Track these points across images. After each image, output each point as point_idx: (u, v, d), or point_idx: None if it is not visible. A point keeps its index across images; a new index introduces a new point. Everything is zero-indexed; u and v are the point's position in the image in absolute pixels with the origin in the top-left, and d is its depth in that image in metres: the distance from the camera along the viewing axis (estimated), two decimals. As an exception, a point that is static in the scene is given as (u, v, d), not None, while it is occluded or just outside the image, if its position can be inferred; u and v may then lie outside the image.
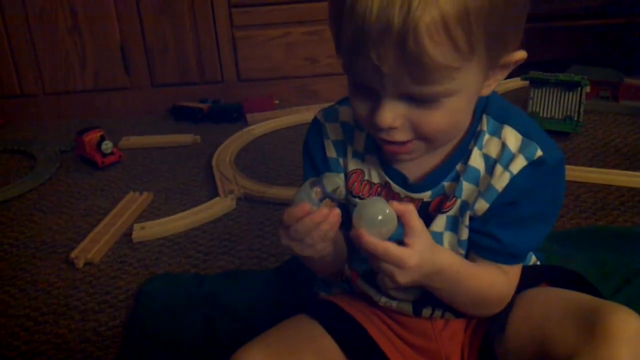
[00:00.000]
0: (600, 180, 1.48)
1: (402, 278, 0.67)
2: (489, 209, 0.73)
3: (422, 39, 0.59)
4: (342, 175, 0.80)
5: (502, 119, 0.73)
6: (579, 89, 1.69)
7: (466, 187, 0.74)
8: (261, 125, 1.93)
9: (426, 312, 0.81)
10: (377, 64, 0.62)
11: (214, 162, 1.69)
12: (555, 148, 0.74)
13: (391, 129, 0.67)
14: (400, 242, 0.67)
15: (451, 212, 0.75)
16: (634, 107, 1.84)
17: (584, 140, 1.70)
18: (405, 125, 0.67)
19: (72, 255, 1.33)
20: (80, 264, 1.31)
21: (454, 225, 0.75)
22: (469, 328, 0.83)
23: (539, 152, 0.71)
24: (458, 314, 0.81)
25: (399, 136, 0.68)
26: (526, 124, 0.74)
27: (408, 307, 0.81)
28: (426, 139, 0.69)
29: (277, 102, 2.04)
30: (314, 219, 0.68)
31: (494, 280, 0.75)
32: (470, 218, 0.74)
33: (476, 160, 0.73)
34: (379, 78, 0.63)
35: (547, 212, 0.75)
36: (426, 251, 0.68)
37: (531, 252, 0.87)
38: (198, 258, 1.32)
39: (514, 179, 0.71)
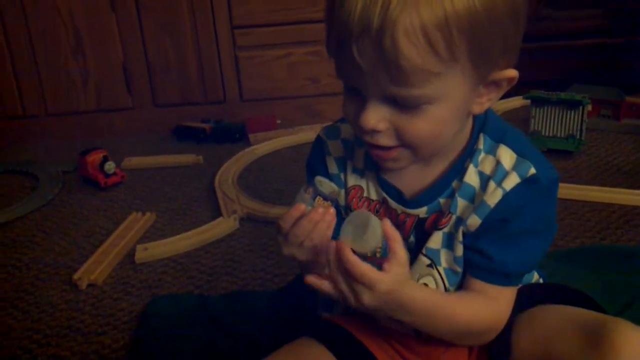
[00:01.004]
0: (604, 199, 1.47)
1: (368, 300, 0.67)
2: (481, 225, 0.73)
3: (398, 40, 0.61)
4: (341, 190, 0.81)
5: (498, 138, 0.74)
6: (581, 107, 1.69)
7: (461, 203, 0.74)
8: (264, 145, 1.93)
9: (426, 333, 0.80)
10: (358, 62, 0.64)
11: (216, 182, 1.69)
12: (550, 168, 0.74)
13: (375, 131, 0.68)
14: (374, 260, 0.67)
15: (446, 229, 0.75)
16: (636, 126, 1.84)
17: (586, 158, 1.70)
18: (390, 131, 0.68)
19: (75, 276, 1.32)
20: (83, 285, 1.31)
21: (449, 242, 0.75)
22: (473, 350, 0.83)
23: (533, 171, 0.72)
24: None
25: (383, 140, 0.69)
26: (522, 143, 0.74)
27: (409, 328, 0.80)
28: (410, 147, 0.70)
29: (279, 121, 2.05)
30: (311, 218, 0.69)
31: (478, 311, 0.74)
32: (463, 234, 0.74)
33: (471, 177, 0.74)
34: (362, 77, 0.65)
35: (539, 230, 0.74)
36: (399, 282, 0.67)
37: (534, 271, 0.87)
38: (201, 279, 1.31)
39: (506, 196, 0.71)
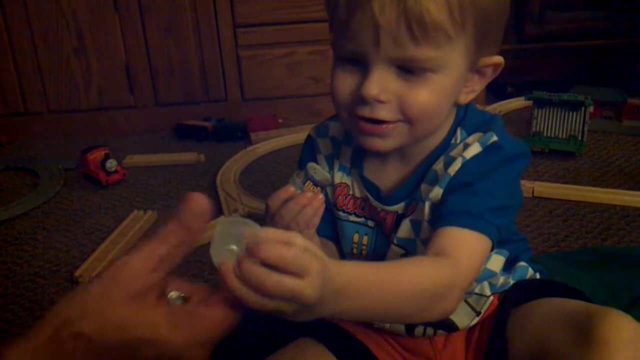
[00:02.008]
0: (606, 200, 1.47)
1: (301, 315, 0.54)
2: (442, 194, 0.73)
3: None
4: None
5: (474, 130, 0.75)
6: (583, 108, 1.69)
7: (424, 188, 0.75)
8: (265, 144, 1.93)
9: (418, 330, 0.81)
10: (376, 19, 0.64)
11: (218, 181, 1.69)
12: (518, 142, 0.75)
13: (377, 101, 0.68)
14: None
15: (412, 216, 0.75)
16: (637, 127, 1.84)
17: (588, 160, 1.70)
18: (392, 103, 0.68)
19: (76, 274, 1.32)
20: (84, 283, 1.31)
21: (417, 227, 0.76)
22: (470, 348, 0.83)
23: (494, 138, 0.72)
24: (452, 328, 0.80)
25: (384, 113, 0.69)
26: (492, 125, 0.75)
27: (401, 326, 0.81)
28: (410, 120, 0.69)
29: (281, 121, 2.05)
30: (298, 201, 0.70)
31: (427, 270, 0.64)
32: (432, 211, 0.73)
33: (438, 165, 0.74)
34: (374, 39, 0.65)
35: (500, 195, 0.71)
36: (322, 273, 0.53)
37: (528, 266, 0.86)
38: (202, 277, 1.31)
39: (466, 162, 0.72)
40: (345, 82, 0.70)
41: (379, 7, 0.64)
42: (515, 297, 0.80)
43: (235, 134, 1.99)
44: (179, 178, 1.78)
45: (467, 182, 0.71)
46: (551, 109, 1.74)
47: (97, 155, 1.73)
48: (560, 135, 1.73)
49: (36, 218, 1.61)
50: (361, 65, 0.68)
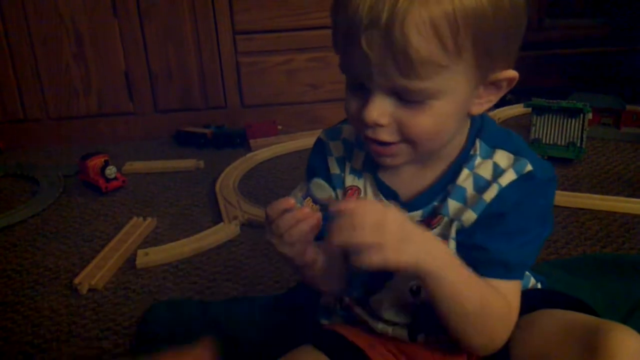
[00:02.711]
0: (605, 207, 1.48)
1: (389, 237, 0.64)
2: (476, 221, 0.73)
3: (407, 31, 0.62)
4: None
5: (494, 144, 0.75)
6: (582, 115, 1.70)
7: (452, 204, 0.75)
8: (264, 151, 1.93)
9: (421, 337, 0.81)
10: (366, 53, 0.64)
11: (217, 188, 1.69)
12: (547, 167, 0.75)
13: (377, 125, 0.69)
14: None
15: (437, 230, 0.75)
16: (636, 134, 1.85)
17: (587, 167, 1.71)
18: (392, 126, 0.69)
19: (76, 281, 1.32)
20: (83, 290, 1.31)
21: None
22: (472, 357, 0.83)
23: (529, 167, 0.73)
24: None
25: (384, 135, 0.70)
26: (518, 145, 0.75)
27: (403, 333, 0.81)
28: (411, 142, 0.70)
29: (280, 127, 2.05)
30: (295, 215, 0.70)
31: (491, 292, 0.71)
32: (458, 232, 0.74)
33: (465, 181, 0.74)
34: (368, 70, 0.66)
35: (534, 226, 0.74)
36: (406, 219, 0.67)
37: (530, 275, 0.87)
38: (202, 284, 1.31)
39: (502, 191, 0.72)
40: (353, 104, 0.71)
41: (367, 42, 0.64)
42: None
43: (234, 141, 1.99)
44: (178, 185, 1.78)
45: (501, 212, 0.72)
46: (550, 116, 1.74)
47: (96, 162, 1.73)
48: (559, 142, 1.74)
49: (35, 225, 1.61)
50: (365, 89, 0.69)
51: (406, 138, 0.70)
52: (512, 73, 0.71)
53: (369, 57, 0.65)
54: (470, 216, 0.73)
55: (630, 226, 1.41)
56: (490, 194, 0.72)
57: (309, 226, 0.70)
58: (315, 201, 0.71)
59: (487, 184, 0.73)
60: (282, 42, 2.02)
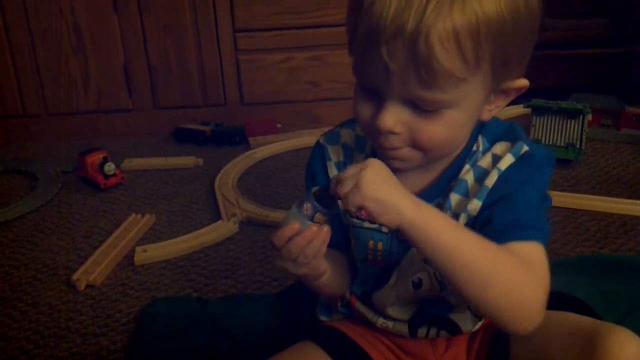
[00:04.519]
0: (603, 209, 1.48)
1: (368, 174, 0.64)
2: (482, 207, 0.73)
3: (432, 43, 0.62)
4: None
5: (495, 138, 0.76)
6: (581, 116, 1.70)
7: (454, 198, 0.75)
8: (263, 149, 1.93)
9: (422, 332, 0.81)
10: (386, 62, 0.64)
11: (216, 185, 1.69)
12: (543, 148, 0.76)
13: (390, 133, 0.69)
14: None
15: None
16: (635, 136, 1.85)
17: (586, 168, 1.71)
18: (405, 134, 0.69)
19: (74, 277, 1.32)
20: (81, 286, 1.30)
21: None
22: (471, 353, 0.83)
23: (525, 148, 0.73)
24: (455, 331, 0.80)
25: (396, 143, 0.70)
26: (516, 135, 0.75)
27: (404, 328, 0.81)
28: (423, 150, 0.70)
29: (279, 125, 2.05)
30: (305, 236, 0.68)
31: (503, 254, 0.67)
32: (467, 223, 0.74)
33: (466, 174, 0.75)
34: (386, 78, 0.65)
35: (536, 200, 0.73)
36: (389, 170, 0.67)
37: None
38: (200, 282, 1.31)
39: (502, 174, 0.73)
40: (365, 108, 0.71)
41: (388, 51, 0.63)
42: None
43: (233, 139, 1.99)
44: (177, 182, 1.78)
45: (505, 193, 0.71)
46: (550, 117, 1.74)
47: (95, 158, 1.73)
48: (558, 143, 1.74)
49: (34, 221, 1.60)
50: (379, 95, 0.68)
51: (417, 145, 0.70)
52: (524, 82, 0.71)
53: (388, 66, 0.64)
54: (475, 205, 0.73)
55: (628, 227, 1.41)
56: (491, 180, 0.73)
57: (320, 242, 0.69)
58: (323, 212, 0.70)
59: (487, 172, 0.74)
60: (282, 40, 2.02)
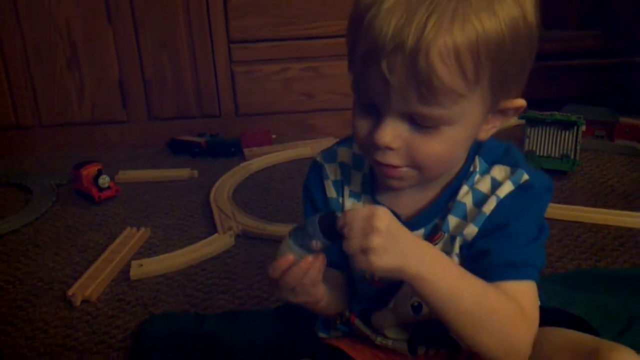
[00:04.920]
0: (599, 220, 1.48)
1: (375, 241, 0.63)
2: (478, 233, 0.73)
3: (432, 60, 0.62)
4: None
5: (493, 160, 0.76)
6: (575, 128, 1.70)
7: (452, 220, 0.75)
8: (259, 160, 1.93)
9: (421, 349, 0.81)
10: (387, 77, 0.64)
11: (211, 198, 1.69)
12: (543, 176, 0.76)
13: (388, 149, 0.69)
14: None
15: (439, 246, 0.75)
16: (629, 147, 1.85)
17: (581, 179, 1.71)
18: (402, 150, 0.69)
19: (69, 293, 1.31)
20: (77, 302, 1.29)
21: None
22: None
23: (526, 177, 0.73)
24: (455, 349, 0.80)
25: (393, 159, 0.70)
26: (515, 159, 0.76)
27: (403, 346, 0.81)
28: (419, 167, 0.70)
29: (274, 136, 2.05)
30: (301, 267, 0.69)
31: (492, 292, 0.69)
32: (462, 247, 0.75)
33: (464, 196, 0.75)
34: (385, 93, 0.66)
35: (533, 231, 0.74)
36: (395, 221, 0.66)
37: None
38: (197, 297, 1.30)
39: (501, 202, 0.73)
40: (362, 125, 0.71)
41: (388, 67, 0.64)
42: None
43: (229, 150, 1.99)
44: (172, 194, 1.77)
45: (502, 222, 0.72)
46: (544, 128, 1.75)
47: (90, 170, 1.72)
48: (552, 155, 1.74)
49: (28, 235, 1.59)
50: (377, 111, 0.69)
51: (414, 163, 0.70)
52: (521, 102, 0.72)
53: (388, 82, 0.65)
54: (471, 230, 0.74)
55: (624, 239, 1.41)
56: (489, 206, 0.73)
57: (317, 271, 0.70)
58: (324, 243, 0.69)
59: (486, 197, 0.74)
60: (277, 51, 2.02)
